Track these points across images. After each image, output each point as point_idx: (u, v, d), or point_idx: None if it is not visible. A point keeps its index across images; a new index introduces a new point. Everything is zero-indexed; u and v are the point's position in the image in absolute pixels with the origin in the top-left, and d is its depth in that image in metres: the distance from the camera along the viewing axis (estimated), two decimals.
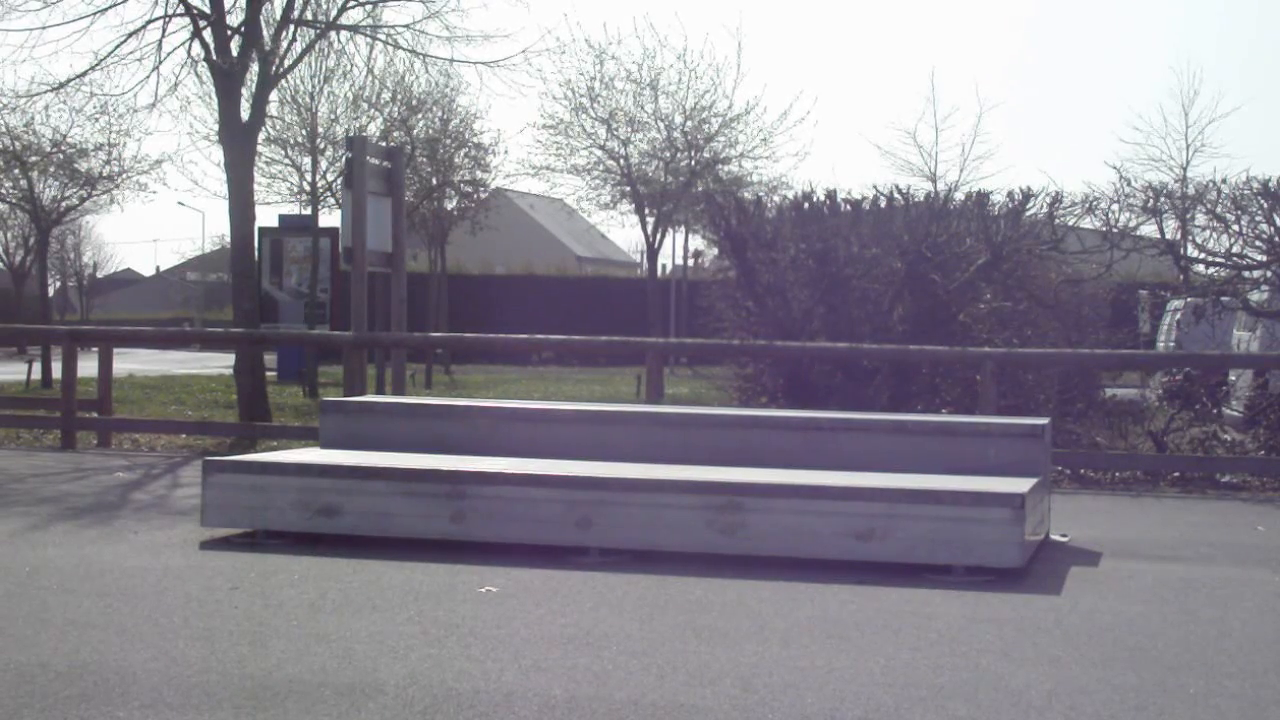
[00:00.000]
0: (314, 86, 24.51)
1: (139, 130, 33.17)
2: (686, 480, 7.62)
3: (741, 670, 5.21)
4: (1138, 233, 14.42)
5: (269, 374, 19.73)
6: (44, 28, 16.32)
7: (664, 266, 41.03)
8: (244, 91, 15.74)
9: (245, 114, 15.72)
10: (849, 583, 6.84)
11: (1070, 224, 14.40)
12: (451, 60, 18.04)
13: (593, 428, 9.07)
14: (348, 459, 8.32)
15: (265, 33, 16.07)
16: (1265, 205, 13.10)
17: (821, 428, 8.84)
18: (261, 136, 20.11)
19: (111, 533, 8.31)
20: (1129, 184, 14.13)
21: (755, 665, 5.28)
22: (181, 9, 15.64)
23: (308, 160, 25.51)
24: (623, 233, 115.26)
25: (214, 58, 15.38)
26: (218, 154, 19.31)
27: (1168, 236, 14.43)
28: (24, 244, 37.80)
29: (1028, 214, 13.99)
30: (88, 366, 15.54)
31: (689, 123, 29.51)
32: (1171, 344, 16.84)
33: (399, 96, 26.08)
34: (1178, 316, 16.47)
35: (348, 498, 7.88)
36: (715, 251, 19.46)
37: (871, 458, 8.28)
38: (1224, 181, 13.44)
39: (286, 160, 26.26)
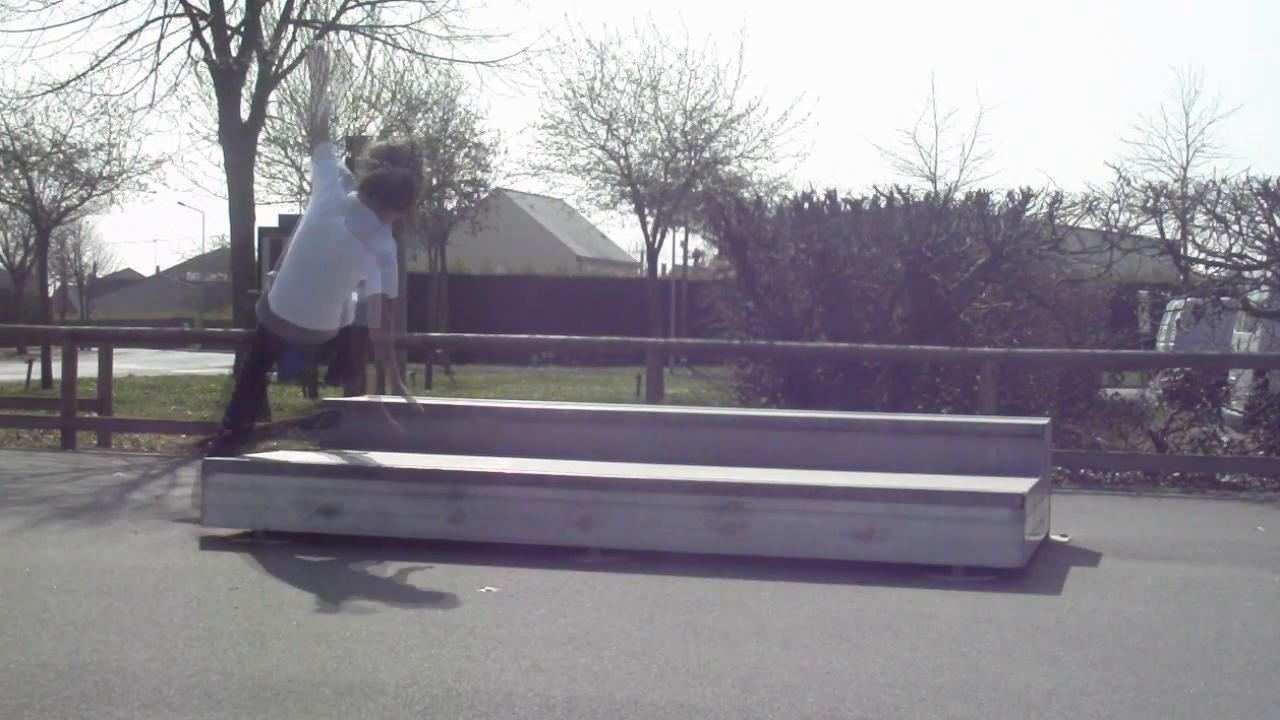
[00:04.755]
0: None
1: (139, 130, 33.34)
2: (687, 480, 7.61)
3: (741, 670, 5.20)
4: (1138, 233, 14.40)
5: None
6: (44, 28, 16.41)
7: (664, 266, 41.03)
8: (244, 91, 15.77)
9: (245, 114, 15.75)
10: (849, 583, 6.84)
11: (1070, 224, 14.38)
12: (451, 60, 18.13)
13: (593, 428, 9.06)
14: (348, 459, 8.32)
15: (265, 33, 16.09)
16: (1265, 205, 13.09)
17: (821, 428, 8.84)
18: (261, 136, 20.15)
19: (111, 532, 8.31)
20: (1129, 184, 14.11)
21: (755, 665, 5.28)
22: (181, 9, 15.67)
23: (308, 160, 25.52)
24: (623, 233, 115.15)
25: (214, 58, 15.41)
26: (218, 154, 19.30)
27: (1168, 236, 14.41)
28: (24, 244, 37.86)
29: (1028, 214, 13.97)
30: (88, 366, 15.53)
31: (689, 123, 29.52)
32: (1171, 344, 16.83)
33: (399, 96, 26.11)
34: (1178, 316, 16.46)
35: (348, 498, 7.87)
36: (715, 251, 19.46)
37: (871, 458, 8.27)
38: (1224, 181, 13.43)
39: (286, 160, 26.34)
